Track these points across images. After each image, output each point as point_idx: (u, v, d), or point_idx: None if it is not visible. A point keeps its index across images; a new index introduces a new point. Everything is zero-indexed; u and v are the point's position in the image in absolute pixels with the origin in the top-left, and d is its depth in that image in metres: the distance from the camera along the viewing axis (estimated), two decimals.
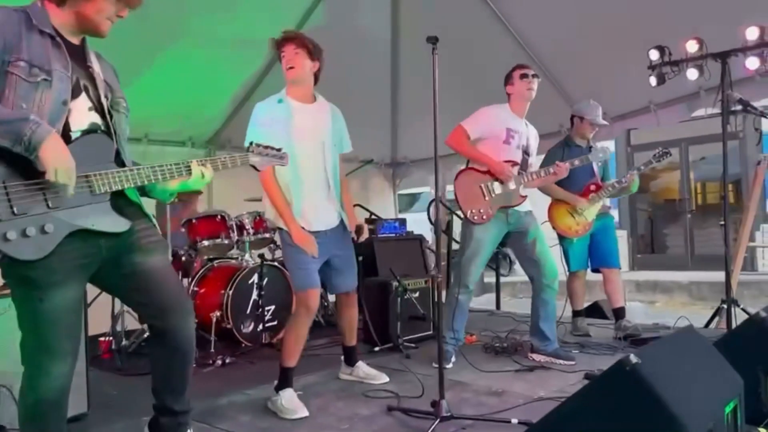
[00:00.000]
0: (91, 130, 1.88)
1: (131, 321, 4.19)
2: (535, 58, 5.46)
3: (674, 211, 10.69)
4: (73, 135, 1.84)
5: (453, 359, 3.64)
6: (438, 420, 2.52)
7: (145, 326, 4.11)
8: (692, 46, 4.27)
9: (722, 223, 4.29)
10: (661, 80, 4.49)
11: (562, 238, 4.42)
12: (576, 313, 4.58)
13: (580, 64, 5.27)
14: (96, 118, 1.90)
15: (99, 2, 1.84)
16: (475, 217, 3.57)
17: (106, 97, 1.95)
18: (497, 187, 3.63)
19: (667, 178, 11.11)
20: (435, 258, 2.72)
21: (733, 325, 3.93)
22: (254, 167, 2.26)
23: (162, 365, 2.11)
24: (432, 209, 3.78)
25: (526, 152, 3.76)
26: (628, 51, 4.68)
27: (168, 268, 2.11)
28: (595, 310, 5.17)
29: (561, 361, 3.57)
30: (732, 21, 4.11)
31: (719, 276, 8.08)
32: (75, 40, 1.92)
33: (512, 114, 3.73)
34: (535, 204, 3.90)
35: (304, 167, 2.92)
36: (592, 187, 4.34)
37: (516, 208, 3.68)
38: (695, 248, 9.97)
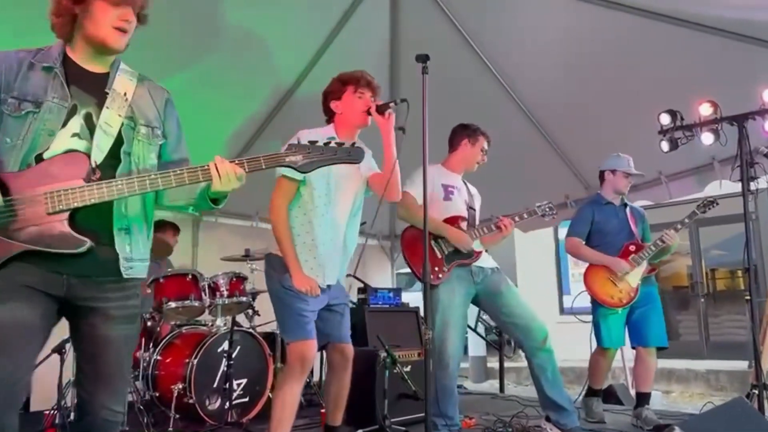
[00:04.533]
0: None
1: None
2: (538, 125, 5.27)
3: (684, 298, 10.20)
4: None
5: None
6: None
7: None
8: (706, 110, 4.02)
9: (747, 297, 3.83)
10: (673, 146, 4.21)
11: (597, 309, 3.83)
12: (592, 392, 4.00)
13: (585, 131, 5.05)
14: (77, 144, 1.75)
15: (93, 15, 1.78)
16: (431, 276, 3.20)
17: (128, 118, 1.83)
18: (450, 244, 3.31)
19: (675, 264, 10.69)
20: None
21: (766, 414, 3.41)
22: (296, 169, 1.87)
23: None
24: None
25: (471, 207, 3.50)
26: (635, 118, 4.46)
27: (121, 341, 1.83)
28: (609, 395, 4.63)
29: None
30: (746, 84, 3.88)
31: (739, 365, 7.65)
32: (97, 68, 1.87)
33: (446, 171, 3.51)
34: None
35: (334, 215, 2.74)
36: (632, 248, 3.83)
37: (480, 265, 3.36)
38: (710, 335, 9.39)
